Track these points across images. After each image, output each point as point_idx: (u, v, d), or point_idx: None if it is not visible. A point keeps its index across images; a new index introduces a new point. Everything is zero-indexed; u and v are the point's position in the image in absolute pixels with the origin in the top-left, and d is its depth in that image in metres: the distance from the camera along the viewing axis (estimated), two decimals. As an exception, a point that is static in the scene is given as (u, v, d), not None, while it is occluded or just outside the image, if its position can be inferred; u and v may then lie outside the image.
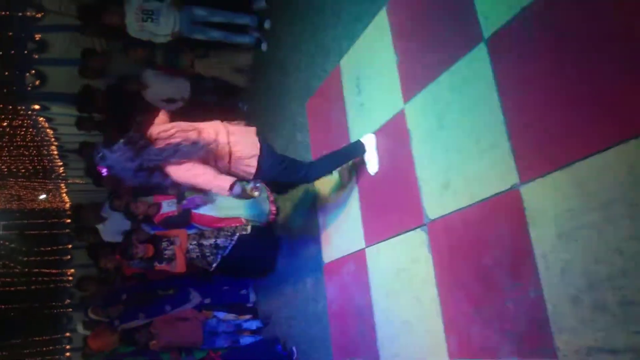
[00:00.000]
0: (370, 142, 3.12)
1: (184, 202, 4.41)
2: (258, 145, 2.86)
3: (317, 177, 3.20)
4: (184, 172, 2.64)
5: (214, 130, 2.81)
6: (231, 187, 2.67)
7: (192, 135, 2.70)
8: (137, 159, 2.54)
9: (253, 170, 2.85)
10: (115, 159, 2.53)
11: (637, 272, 1.59)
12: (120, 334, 4.57)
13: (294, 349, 4.14)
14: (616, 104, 1.68)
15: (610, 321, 1.67)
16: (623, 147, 1.63)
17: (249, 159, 2.83)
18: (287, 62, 4.69)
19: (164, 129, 2.72)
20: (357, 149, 3.15)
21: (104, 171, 2.60)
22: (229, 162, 2.81)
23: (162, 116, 2.95)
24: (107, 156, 2.54)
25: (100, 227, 5.05)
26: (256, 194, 2.80)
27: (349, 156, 3.22)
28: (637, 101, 1.61)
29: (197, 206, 4.38)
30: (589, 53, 1.78)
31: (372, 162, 3.13)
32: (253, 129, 2.96)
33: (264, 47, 5.25)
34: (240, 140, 2.84)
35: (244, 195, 2.76)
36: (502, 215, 2.13)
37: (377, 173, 3.11)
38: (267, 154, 2.88)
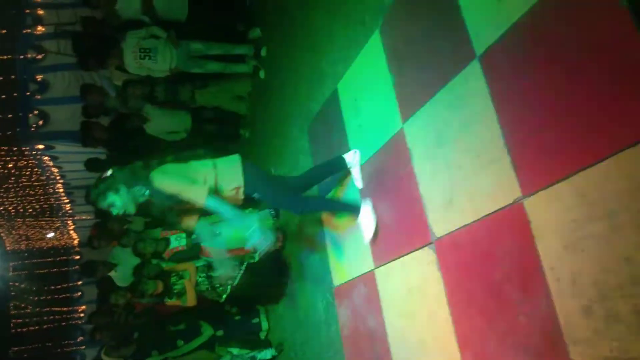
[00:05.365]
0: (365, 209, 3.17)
1: (194, 236, 4.44)
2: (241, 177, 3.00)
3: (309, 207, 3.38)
4: None
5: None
6: None
7: None
8: None
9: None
10: None
11: (646, 279, 1.58)
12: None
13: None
14: (611, 114, 1.69)
15: (625, 330, 1.65)
16: (621, 156, 1.64)
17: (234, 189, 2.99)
18: (286, 88, 4.75)
19: None
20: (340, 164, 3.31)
21: None
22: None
23: None
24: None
25: (113, 274, 5.07)
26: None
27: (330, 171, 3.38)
28: (631, 110, 1.63)
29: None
30: (581, 64, 1.80)
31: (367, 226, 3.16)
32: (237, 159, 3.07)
33: (262, 74, 5.32)
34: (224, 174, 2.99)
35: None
36: (508, 230, 2.13)
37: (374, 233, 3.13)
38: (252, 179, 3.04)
